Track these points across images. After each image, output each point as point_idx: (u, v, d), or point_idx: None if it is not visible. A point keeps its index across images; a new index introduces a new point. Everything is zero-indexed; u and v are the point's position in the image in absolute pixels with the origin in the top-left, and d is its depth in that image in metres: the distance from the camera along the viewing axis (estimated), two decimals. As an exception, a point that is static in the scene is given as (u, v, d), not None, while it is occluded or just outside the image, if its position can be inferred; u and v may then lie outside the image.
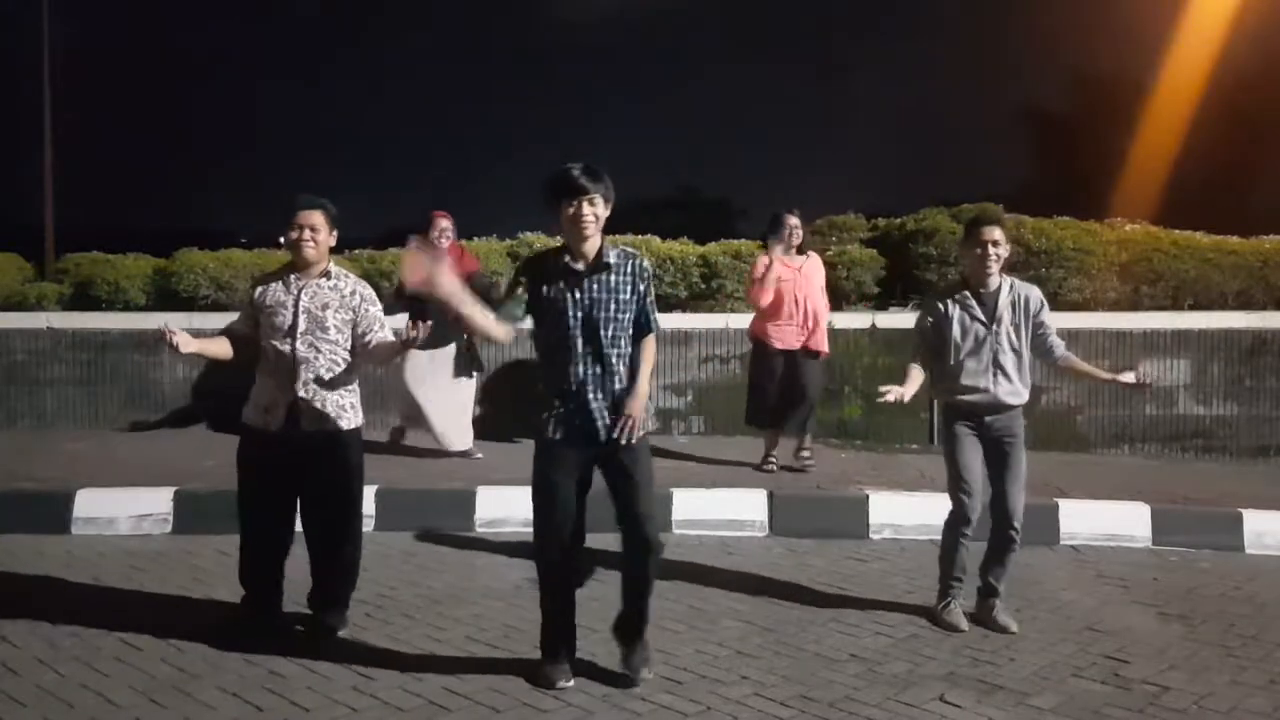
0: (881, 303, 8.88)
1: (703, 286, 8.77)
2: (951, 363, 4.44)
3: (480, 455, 7.09)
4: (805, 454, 6.86)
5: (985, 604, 4.54)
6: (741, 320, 8.26)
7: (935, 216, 9.17)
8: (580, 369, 3.59)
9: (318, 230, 4.09)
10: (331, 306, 4.11)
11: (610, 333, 3.60)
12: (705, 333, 8.25)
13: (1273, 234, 9.05)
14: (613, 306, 3.59)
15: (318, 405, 4.08)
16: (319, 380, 4.08)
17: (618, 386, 3.63)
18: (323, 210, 4.11)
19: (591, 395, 3.60)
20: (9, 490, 5.99)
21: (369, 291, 4.24)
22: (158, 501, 5.84)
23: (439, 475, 6.55)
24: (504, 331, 3.79)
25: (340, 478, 4.18)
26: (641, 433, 3.66)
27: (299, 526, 4.29)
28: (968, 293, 4.45)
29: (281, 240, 4.23)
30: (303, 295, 4.09)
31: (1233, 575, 5.36)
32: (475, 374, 7.24)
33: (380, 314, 4.24)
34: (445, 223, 6.98)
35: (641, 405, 3.64)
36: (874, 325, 8.19)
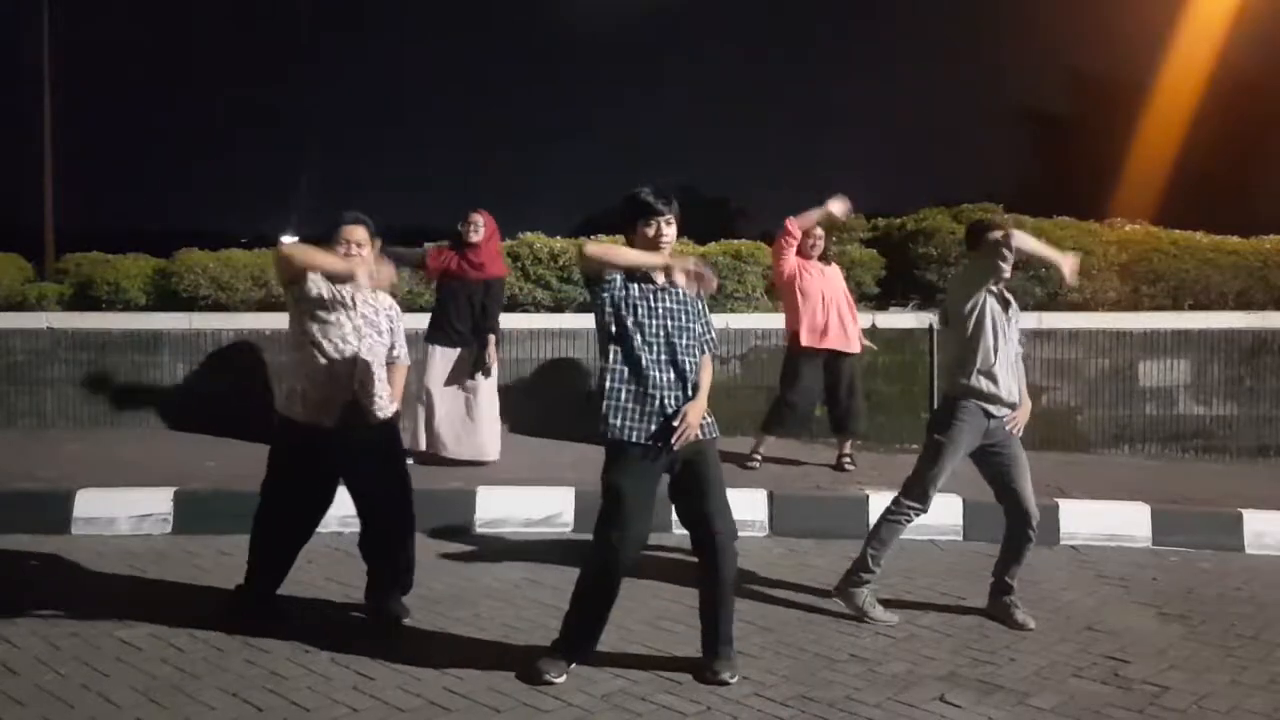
0: (881, 303, 8.87)
1: (702, 286, 8.74)
2: (993, 356, 4.44)
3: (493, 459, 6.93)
4: (847, 458, 7.03)
5: (1001, 602, 4.56)
6: (741, 320, 8.27)
7: (935, 216, 9.15)
8: (659, 374, 3.80)
9: (363, 246, 4.36)
10: (381, 312, 4.48)
11: (685, 341, 3.87)
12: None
13: (1273, 234, 9.04)
14: (683, 318, 3.87)
15: (367, 400, 4.35)
16: (372, 378, 4.36)
17: (690, 391, 3.85)
18: (365, 226, 4.40)
19: (669, 398, 3.80)
20: (9, 490, 5.98)
21: (398, 310, 4.62)
22: (158, 501, 5.84)
23: (439, 475, 6.54)
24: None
25: (391, 458, 4.49)
26: (701, 436, 3.86)
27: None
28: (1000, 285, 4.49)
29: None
30: (357, 300, 4.38)
31: (1233, 575, 5.37)
32: (485, 377, 6.90)
33: (403, 332, 4.61)
34: (477, 217, 6.89)
35: (699, 411, 3.84)
36: (874, 325, 8.18)
